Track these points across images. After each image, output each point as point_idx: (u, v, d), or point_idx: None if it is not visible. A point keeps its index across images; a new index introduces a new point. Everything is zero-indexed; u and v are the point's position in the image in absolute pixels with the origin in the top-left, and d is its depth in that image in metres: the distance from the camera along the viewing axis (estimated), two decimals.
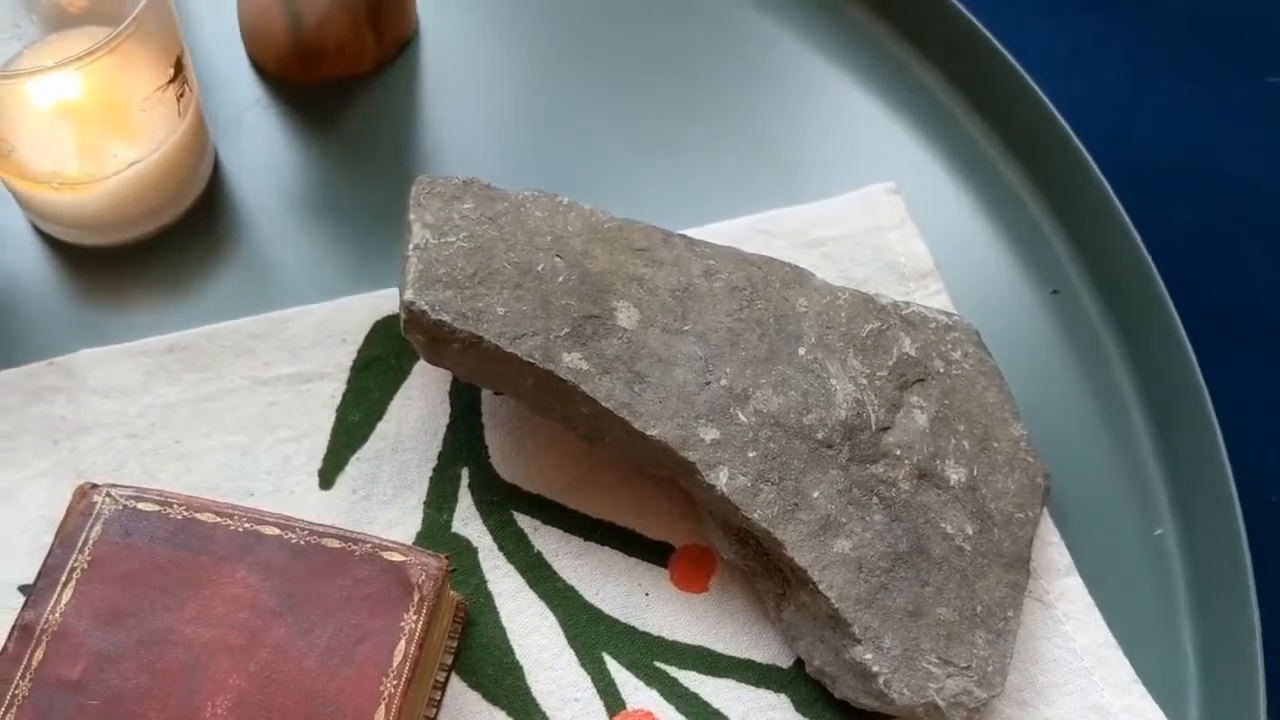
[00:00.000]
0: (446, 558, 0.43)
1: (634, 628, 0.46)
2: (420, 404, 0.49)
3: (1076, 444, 0.51)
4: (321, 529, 0.42)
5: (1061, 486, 0.50)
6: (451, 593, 0.44)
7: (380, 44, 0.57)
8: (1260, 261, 0.59)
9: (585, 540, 0.47)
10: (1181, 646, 0.48)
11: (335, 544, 0.42)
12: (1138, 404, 0.52)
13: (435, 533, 0.47)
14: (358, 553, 0.42)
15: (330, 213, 0.54)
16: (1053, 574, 0.48)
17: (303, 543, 0.42)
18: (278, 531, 0.42)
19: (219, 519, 0.43)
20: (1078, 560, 0.48)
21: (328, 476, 0.48)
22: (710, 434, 0.44)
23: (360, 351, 0.50)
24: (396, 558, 0.42)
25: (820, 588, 0.43)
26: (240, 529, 0.42)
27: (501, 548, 0.47)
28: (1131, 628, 0.47)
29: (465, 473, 0.48)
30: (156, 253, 0.53)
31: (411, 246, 0.45)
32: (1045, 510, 0.48)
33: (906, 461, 0.45)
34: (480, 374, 0.45)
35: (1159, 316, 0.53)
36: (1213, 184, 0.61)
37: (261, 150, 0.56)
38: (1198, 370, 0.51)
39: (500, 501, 0.48)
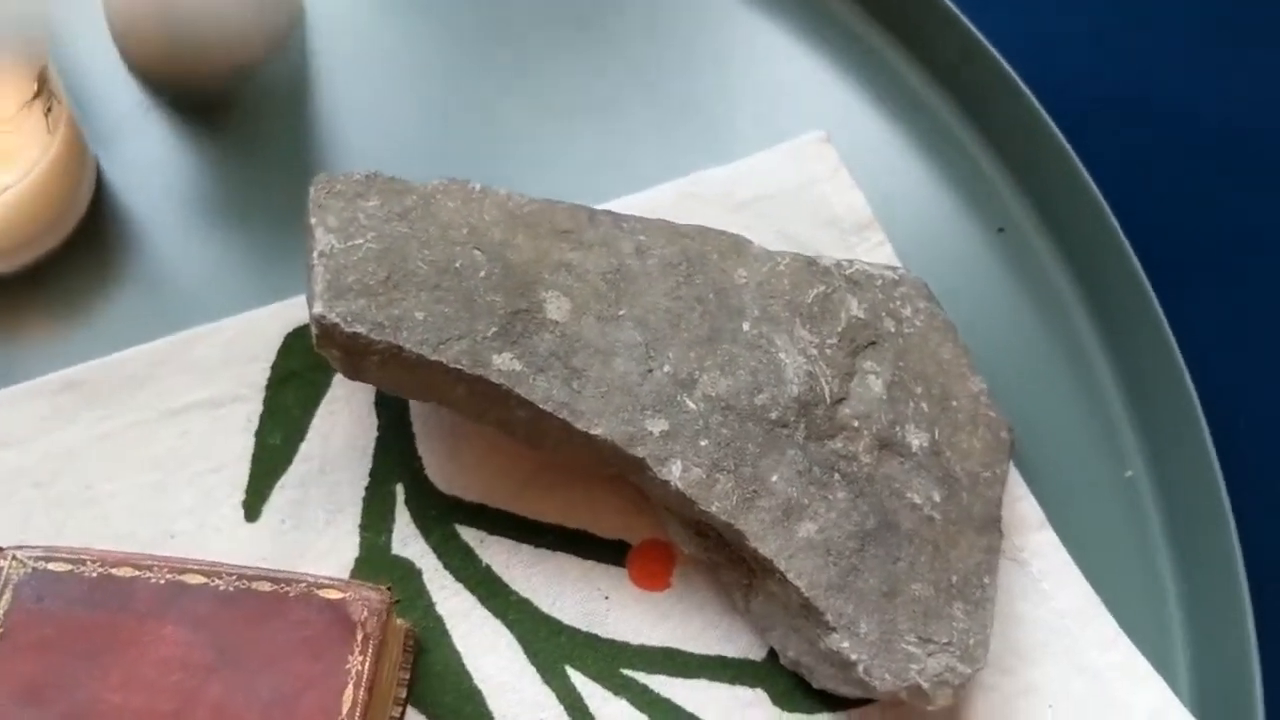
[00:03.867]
0: (389, 588, 0.40)
1: (596, 635, 0.43)
2: (344, 419, 0.46)
3: (1036, 390, 0.49)
4: (250, 572, 0.39)
5: (1025, 437, 0.47)
6: (398, 621, 0.41)
7: (264, 31, 0.52)
8: (1204, 185, 0.57)
9: (536, 548, 0.44)
10: (1163, 590, 0.46)
11: (266, 587, 0.39)
12: (1095, 341, 0.50)
13: (374, 557, 0.44)
14: (292, 594, 0.39)
15: (228, 219, 0.50)
16: (1025, 530, 0.46)
17: (231, 589, 0.39)
18: (203, 579, 0.39)
19: (137, 572, 0.39)
20: (1048, 513, 0.46)
21: (253, 507, 0.45)
22: (658, 426, 0.41)
23: (274, 368, 0.47)
24: (334, 595, 0.39)
25: (788, 577, 0.41)
26: (162, 581, 0.39)
27: (447, 565, 0.44)
28: (1110, 577, 0.46)
29: (400, 489, 0.45)
30: (42, 282, 0.48)
31: (316, 254, 0.42)
32: (1011, 464, 0.46)
33: (865, 432, 0.43)
34: (406, 386, 0.42)
35: (1110, 246, 0.51)
36: (1149, 110, 0.59)
37: (147, 158, 0.51)
38: (1154, 299, 0.49)
39: (441, 516, 0.45)
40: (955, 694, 0.41)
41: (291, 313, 0.47)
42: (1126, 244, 0.50)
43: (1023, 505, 0.46)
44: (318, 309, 0.41)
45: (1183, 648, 0.45)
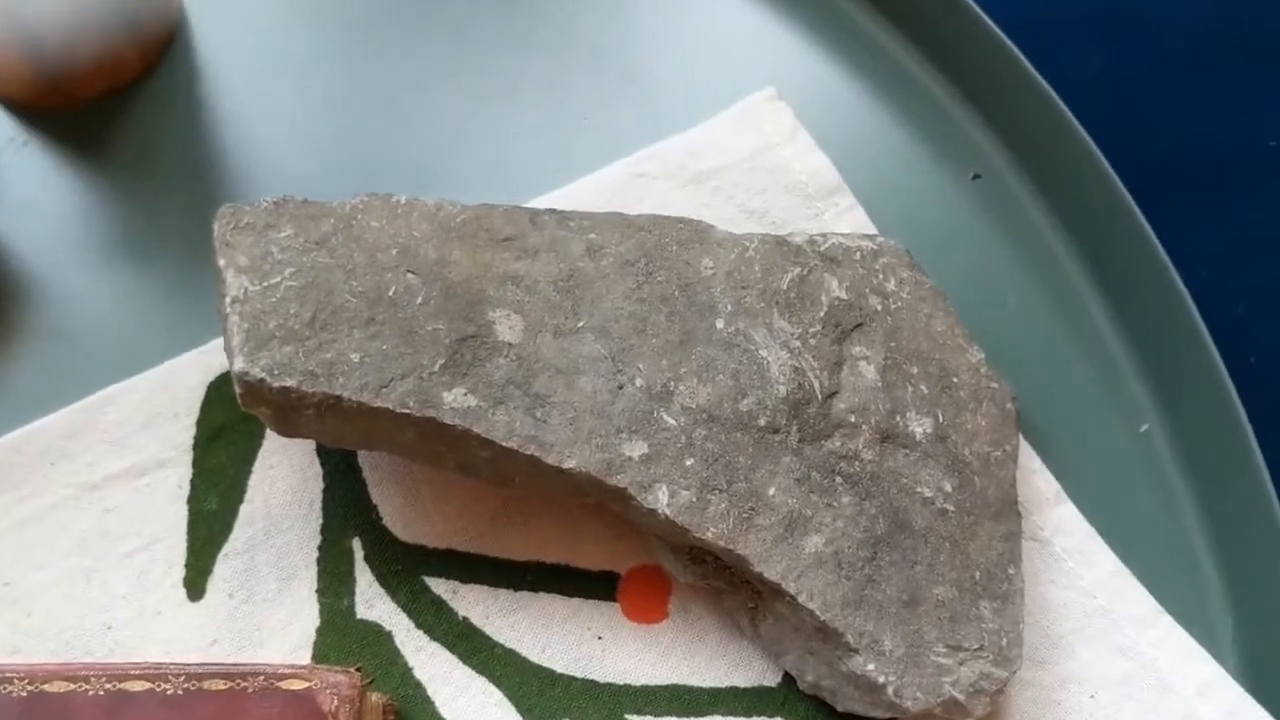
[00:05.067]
0: (358, 669, 0.36)
1: (594, 681, 0.39)
2: (286, 472, 0.41)
3: (1033, 349, 0.45)
4: (199, 669, 0.35)
5: (1028, 403, 0.44)
6: (373, 697, 0.37)
7: (140, 45, 0.47)
8: (1185, 98, 0.53)
9: (516, 591, 0.40)
10: (1195, 552, 0.43)
11: (220, 685, 0.35)
12: (1091, 287, 0.47)
13: (337, 624, 0.39)
14: (250, 689, 0.35)
15: (130, 259, 0.45)
16: (1043, 506, 0.42)
17: (180, 692, 0.35)
18: (147, 685, 0.35)
19: (72, 685, 0.35)
20: (1063, 482, 0.43)
21: (196, 584, 0.40)
22: (637, 449, 0.37)
23: (200, 424, 0.42)
24: (298, 685, 0.35)
25: (800, 600, 0.37)
26: (100, 692, 0.35)
27: (420, 624, 0.40)
28: (1137, 544, 0.42)
29: (357, 544, 0.41)
30: None
31: (229, 301, 0.37)
32: (1020, 437, 0.42)
33: (864, 426, 0.39)
34: (349, 437, 0.38)
35: (1094, 178, 0.47)
36: (1121, 23, 0.54)
37: (31, 198, 0.46)
38: (1149, 231, 0.46)
39: (406, 569, 0.40)
40: (993, 701, 0.37)
41: (211, 359, 0.42)
42: (1112, 174, 0.46)
43: (1037, 479, 0.42)
44: (239, 365, 0.36)
45: (1223, 612, 0.42)
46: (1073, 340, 0.45)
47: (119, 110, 0.47)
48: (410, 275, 0.38)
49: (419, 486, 0.41)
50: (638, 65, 0.49)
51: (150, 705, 0.34)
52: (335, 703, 0.34)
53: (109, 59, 0.46)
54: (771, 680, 0.40)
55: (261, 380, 0.36)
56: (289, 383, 0.36)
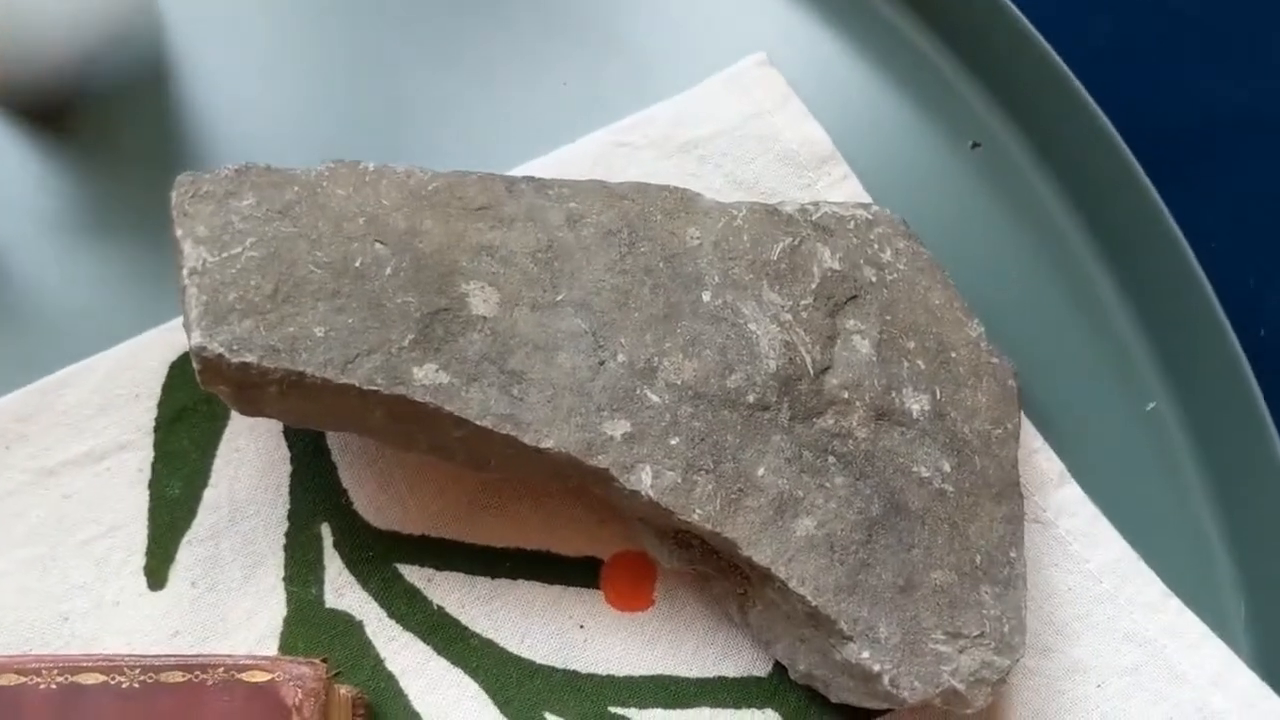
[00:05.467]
0: (323, 660, 0.34)
1: (576, 672, 0.37)
2: (252, 455, 0.39)
3: (1036, 323, 0.43)
4: (157, 661, 0.33)
5: (1031, 379, 0.42)
6: (342, 690, 0.35)
7: (108, 22, 0.45)
8: (1194, 61, 0.51)
9: (494, 579, 0.38)
10: (1205, 535, 0.41)
11: (178, 677, 0.33)
12: (1096, 259, 0.45)
13: (306, 613, 0.38)
14: (210, 681, 0.33)
15: (88, 236, 0.43)
16: (1046, 487, 0.40)
17: (136, 685, 0.33)
18: (101, 678, 0.33)
19: (23, 679, 0.33)
20: (1067, 462, 0.41)
21: (157, 573, 0.38)
22: (619, 428, 0.35)
23: (161, 405, 0.40)
24: (260, 677, 0.33)
25: (790, 585, 0.35)
26: (53, 686, 0.33)
27: (393, 613, 0.38)
28: (1145, 527, 0.41)
29: (327, 529, 0.39)
30: None
31: (186, 273, 0.35)
32: (1022, 414, 0.40)
33: (858, 403, 0.37)
34: (314, 417, 0.36)
35: (1100, 148, 0.45)
36: None
37: None
38: (1160, 202, 0.44)
39: (378, 556, 0.38)
40: (994, 691, 0.36)
41: (173, 338, 0.40)
42: (1120, 142, 0.44)
43: (1040, 459, 0.41)
44: (196, 339, 0.34)
45: (1235, 596, 0.40)
46: (1077, 314, 0.43)
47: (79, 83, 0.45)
48: (378, 245, 0.36)
49: (392, 470, 0.39)
50: (620, 29, 0.47)
51: (104, 699, 0.33)
52: (299, 696, 0.33)
53: (76, 38, 0.44)
54: (761, 670, 0.38)
55: (220, 355, 0.34)
56: (249, 358, 0.34)
